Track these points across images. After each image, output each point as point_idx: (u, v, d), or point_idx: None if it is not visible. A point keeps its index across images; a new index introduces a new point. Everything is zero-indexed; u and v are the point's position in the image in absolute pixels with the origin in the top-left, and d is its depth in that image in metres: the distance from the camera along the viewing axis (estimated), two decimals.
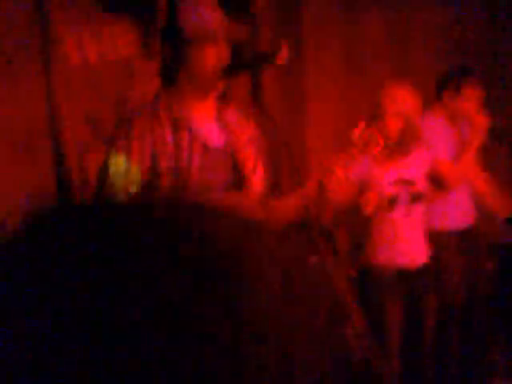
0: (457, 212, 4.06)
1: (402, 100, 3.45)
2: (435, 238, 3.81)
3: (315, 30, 5.17)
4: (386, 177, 3.50)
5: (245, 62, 2.36)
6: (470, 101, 4.04)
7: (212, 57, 2.37)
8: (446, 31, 5.78)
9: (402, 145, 3.50)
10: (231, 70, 2.38)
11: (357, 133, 2.54)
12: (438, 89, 4.16)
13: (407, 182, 3.52)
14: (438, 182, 3.86)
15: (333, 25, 5.31)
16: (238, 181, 2.47)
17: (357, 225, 3.64)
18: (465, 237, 4.10)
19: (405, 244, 3.51)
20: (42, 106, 3.83)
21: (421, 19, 5.73)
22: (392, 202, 3.48)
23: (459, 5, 5.75)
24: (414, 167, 3.60)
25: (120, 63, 4.25)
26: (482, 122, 3.86)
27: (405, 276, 3.50)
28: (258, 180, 2.55)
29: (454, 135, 4.10)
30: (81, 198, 4.11)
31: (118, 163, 2.31)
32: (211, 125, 2.48)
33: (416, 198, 3.54)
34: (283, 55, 2.21)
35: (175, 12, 2.42)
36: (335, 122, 5.07)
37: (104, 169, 2.33)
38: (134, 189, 2.31)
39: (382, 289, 3.48)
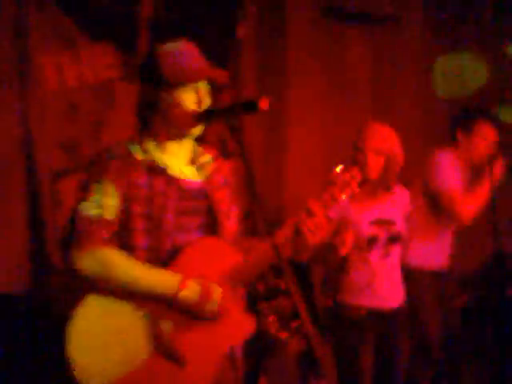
0: (438, 252, 4.06)
1: (382, 137, 3.41)
2: (411, 276, 3.81)
3: (297, 68, 5.15)
4: (365, 216, 3.42)
5: (225, 109, 2.29)
6: (482, 140, 4.05)
7: (191, 102, 2.32)
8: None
9: (382, 183, 3.47)
10: (210, 115, 2.32)
11: (337, 172, 2.50)
12: (452, 127, 4.17)
13: (387, 222, 3.48)
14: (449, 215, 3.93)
15: (315, 61, 5.29)
16: (212, 224, 2.43)
17: (331, 261, 3.59)
18: (440, 275, 4.09)
19: (381, 286, 3.45)
20: (16, 131, 3.76)
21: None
22: (370, 242, 3.44)
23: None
24: (395, 207, 3.53)
25: (99, 86, 4.19)
26: (497, 166, 3.92)
27: (379, 316, 3.46)
28: (231, 223, 2.51)
29: (467, 173, 4.11)
30: (53, 222, 4.05)
31: (91, 206, 2.25)
32: (186, 167, 2.43)
33: (395, 239, 3.50)
34: (265, 103, 2.15)
35: (155, 53, 2.37)
36: (316, 159, 5.05)
37: (75, 212, 2.27)
38: (105, 232, 2.25)
39: (355, 329, 3.43)
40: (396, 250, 3.51)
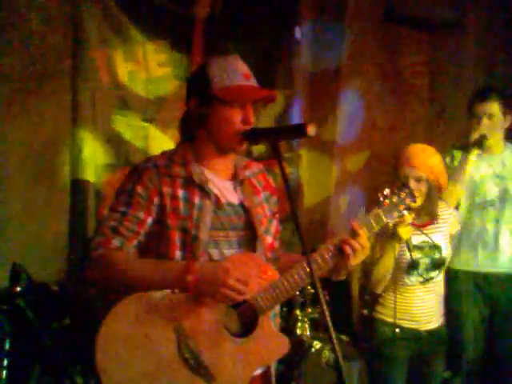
0: None
1: (422, 163, 3.23)
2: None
3: (352, 71, 5.10)
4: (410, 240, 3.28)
5: (273, 130, 2.27)
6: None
7: (237, 120, 2.31)
8: None
9: (425, 210, 3.30)
10: (257, 135, 2.30)
11: (384, 194, 2.47)
12: None
13: (431, 248, 3.35)
14: None
15: (372, 65, 5.23)
16: (251, 239, 2.41)
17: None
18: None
19: (419, 310, 3.32)
20: (65, 123, 3.81)
21: None
22: (411, 266, 3.31)
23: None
24: (440, 232, 3.38)
25: (151, 83, 4.20)
26: None
27: (415, 337, 3.39)
28: (271, 239, 2.50)
29: None
30: (95, 215, 4.11)
31: (114, 217, 2.26)
32: (226, 182, 2.42)
33: (438, 264, 3.37)
34: (313, 129, 2.12)
35: (206, 67, 2.35)
36: (365, 170, 5.01)
37: (99, 222, 2.31)
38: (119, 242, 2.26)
39: (388, 345, 3.38)
40: (438, 275, 3.42)
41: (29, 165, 3.75)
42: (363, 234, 2.35)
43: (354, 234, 2.34)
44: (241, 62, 2.36)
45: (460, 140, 5.66)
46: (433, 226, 3.38)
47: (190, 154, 2.36)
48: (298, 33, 5.06)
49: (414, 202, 2.56)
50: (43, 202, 3.79)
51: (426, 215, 3.36)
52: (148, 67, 4.19)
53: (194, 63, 4.26)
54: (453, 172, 3.81)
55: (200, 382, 2.22)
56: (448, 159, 3.95)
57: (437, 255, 3.36)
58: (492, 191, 3.94)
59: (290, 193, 2.12)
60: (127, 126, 4.15)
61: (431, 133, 6.09)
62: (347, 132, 5.16)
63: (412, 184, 3.17)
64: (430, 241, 3.34)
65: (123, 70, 4.09)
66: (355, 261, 2.35)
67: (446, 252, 3.40)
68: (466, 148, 3.88)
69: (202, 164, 2.36)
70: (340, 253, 2.34)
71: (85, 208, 4.07)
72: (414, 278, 3.35)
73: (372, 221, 2.41)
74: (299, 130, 2.09)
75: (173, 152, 2.39)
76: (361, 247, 2.34)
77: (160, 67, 4.23)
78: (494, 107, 3.87)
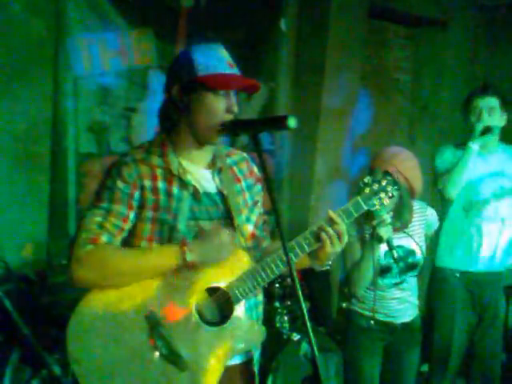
0: None
1: (394, 167, 3.16)
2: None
3: (336, 65, 5.10)
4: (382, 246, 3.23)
5: (253, 122, 2.25)
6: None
7: (221, 109, 2.29)
8: None
9: (397, 217, 3.26)
10: (237, 126, 2.29)
11: (365, 181, 2.46)
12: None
13: (404, 252, 3.32)
14: None
15: (355, 59, 5.23)
16: (229, 228, 2.40)
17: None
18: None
19: (394, 306, 3.34)
20: (47, 112, 3.78)
21: None
22: (384, 271, 3.29)
23: None
24: (414, 235, 3.35)
25: (134, 72, 4.18)
26: None
27: (390, 328, 3.39)
28: (251, 227, 2.47)
29: None
30: (76, 204, 4.09)
31: (96, 214, 2.24)
32: (204, 170, 2.39)
33: (412, 267, 3.34)
34: (293, 121, 2.11)
35: (190, 54, 2.32)
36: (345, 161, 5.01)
37: (81, 219, 2.28)
38: (105, 238, 2.24)
39: (364, 335, 3.38)
40: (413, 276, 3.42)
41: (9, 153, 3.72)
42: (340, 221, 2.34)
43: (331, 222, 2.33)
44: (224, 50, 2.34)
45: (443, 136, 5.76)
46: (406, 230, 3.35)
47: (168, 144, 2.34)
48: (283, 25, 5.05)
49: (397, 189, 2.54)
50: (23, 190, 3.76)
51: (398, 220, 3.31)
52: (131, 56, 4.16)
53: (178, 52, 4.25)
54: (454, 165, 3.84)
55: (172, 369, 2.23)
56: (439, 155, 3.99)
57: (410, 259, 3.36)
58: (488, 190, 3.94)
59: (269, 184, 2.10)
60: (109, 115, 4.12)
61: (414, 128, 6.13)
62: (330, 125, 5.17)
63: None
64: (404, 245, 3.33)
65: (106, 58, 4.05)
66: (333, 248, 2.33)
67: (421, 255, 3.38)
68: (464, 144, 3.88)
69: (180, 154, 2.34)
70: (317, 240, 2.32)
71: (65, 197, 4.06)
72: (387, 281, 3.36)
73: (351, 208, 2.40)
74: (279, 122, 2.07)
75: (151, 143, 2.36)
76: (337, 234, 2.32)
77: (143, 56, 4.20)
78: (494, 101, 3.88)
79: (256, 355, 2.46)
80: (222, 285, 2.28)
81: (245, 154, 2.56)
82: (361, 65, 5.35)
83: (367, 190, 2.45)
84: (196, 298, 2.26)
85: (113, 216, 2.24)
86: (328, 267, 2.52)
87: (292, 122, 2.02)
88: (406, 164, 3.25)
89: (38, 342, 3.00)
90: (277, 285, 4.11)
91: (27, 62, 3.64)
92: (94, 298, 2.23)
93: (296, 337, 4.03)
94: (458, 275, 3.99)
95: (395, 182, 2.51)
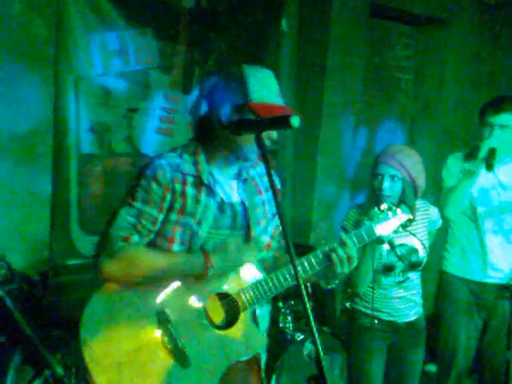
0: None
1: (396, 163, 3.19)
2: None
3: (337, 65, 5.10)
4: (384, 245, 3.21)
5: (257, 121, 2.26)
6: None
7: (264, 134, 2.23)
8: None
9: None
10: (242, 125, 2.29)
11: (379, 210, 2.56)
12: None
13: (407, 250, 3.33)
14: None
15: (357, 59, 5.22)
16: (246, 239, 2.46)
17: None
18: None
19: (397, 305, 3.35)
20: (48, 112, 3.77)
21: None
22: (387, 269, 3.30)
23: None
24: (417, 234, 3.33)
25: (135, 72, 4.18)
26: None
27: (393, 328, 3.39)
28: (268, 239, 2.55)
29: None
30: (78, 204, 4.09)
31: (130, 213, 2.33)
32: (231, 181, 2.48)
33: (415, 266, 3.34)
34: (297, 120, 2.11)
35: (246, 78, 2.32)
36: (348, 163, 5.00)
37: (114, 215, 2.33)
38: (137, 238, 2.34)
39: (367, 335, 3.38)
40: (415, 274, 3.41)
41: (11, 153, 3.72)
42: (351, 244, 2.43)
43: (343, 244, 2.42)
44: (274, 79, 2.41)
45: (445, 135, 5.75)
46: (409, 228, 3.21)
47: (201, 153, 2.41)
48: (284, 25, 5.05)
49: (411, 217, 2.60)
50: (25, 190, 3.76)
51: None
52: (132, 56, 4.15)
53: (178, 52, 4.26)
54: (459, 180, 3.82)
55: (175, 365, 2.34)
56: (447, 168, 3.96)
57: (413, 258, 3.36)
58: (495, 201, 3.91)
59: (273, 185, 2.11)
60: (110, 115, 4.12)
61: (416, 127, 6.12)
62: (332, 125, 5.17)
63: (386, 182, 3.17)
64: (407, 244, 3.33)
65: (106, 58, 4.05)
66: (342, 269, 2.42)
67: (424, 254, 3.38)
68: (472, 156, 3.85)
69: (212, 164, 2.42)
70: (327, 260, 2.42)
71: (67, 197, 4.06)
72: (390, 279, 3.36)
73: (364, 234, 2.53)
74: (283, 121, 2.08)
75: (183, 149, 2.43)
76: (347, 256, 2.42)
77: (144, 56, 4.20)
78: (508, 118, 3.77)
79: (263, 358, 2.58)
80: (232, 291, 2.40)
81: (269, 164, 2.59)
82: (362, 64, 5.33)
83: (382, 217, 2.55)
84: (206, 301, 2.38)
85: (144, 218, 2.34)
86: (334, 286, 2.60)
87: (296, 121, 2.04)
88: (410, 160, 3.25)
89: (41, 343, 3.01)
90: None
91: (28, 62, 3.64)
92: (112, 288, 2.33)
93: (300, 337, 4.03)
94: (461, 282, 4.00)
95: (410, 210, 2.58)
